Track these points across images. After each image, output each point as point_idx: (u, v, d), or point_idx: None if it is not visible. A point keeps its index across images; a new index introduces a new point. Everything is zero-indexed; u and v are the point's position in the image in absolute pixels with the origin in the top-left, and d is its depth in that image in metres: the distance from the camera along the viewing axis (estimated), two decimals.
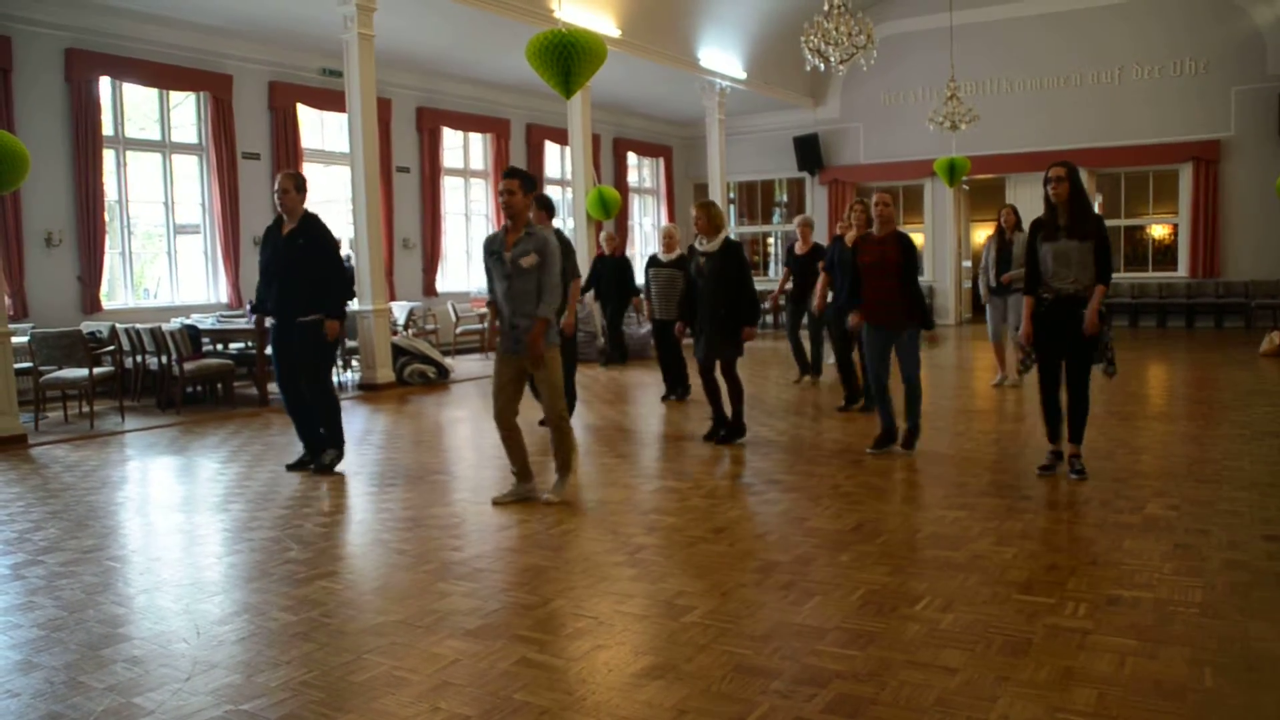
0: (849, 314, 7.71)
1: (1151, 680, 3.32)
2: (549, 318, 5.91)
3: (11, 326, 9.37)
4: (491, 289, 6.19)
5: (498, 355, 6.10)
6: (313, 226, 7.04)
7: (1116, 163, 18.57)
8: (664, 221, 21.99)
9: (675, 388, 10.33)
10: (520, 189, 5.88)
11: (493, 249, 6.06)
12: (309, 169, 14.53)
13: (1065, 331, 6.12)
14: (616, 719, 3.17)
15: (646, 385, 11.74)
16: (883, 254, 7.15)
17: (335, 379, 12.07)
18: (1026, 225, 7.96)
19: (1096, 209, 6.36)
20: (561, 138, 17.41)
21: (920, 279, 7.51)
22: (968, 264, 20.99)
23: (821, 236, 19.51)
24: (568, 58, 8.24)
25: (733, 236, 11.27)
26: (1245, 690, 3.25)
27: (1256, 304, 17.39)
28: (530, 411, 9.24)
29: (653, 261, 10.43)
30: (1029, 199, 18.86)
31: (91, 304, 11.83)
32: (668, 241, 10.42)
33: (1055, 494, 5.97)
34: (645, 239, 22.17)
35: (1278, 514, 5.38)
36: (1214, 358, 13.19)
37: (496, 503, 6.11)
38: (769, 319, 19.36)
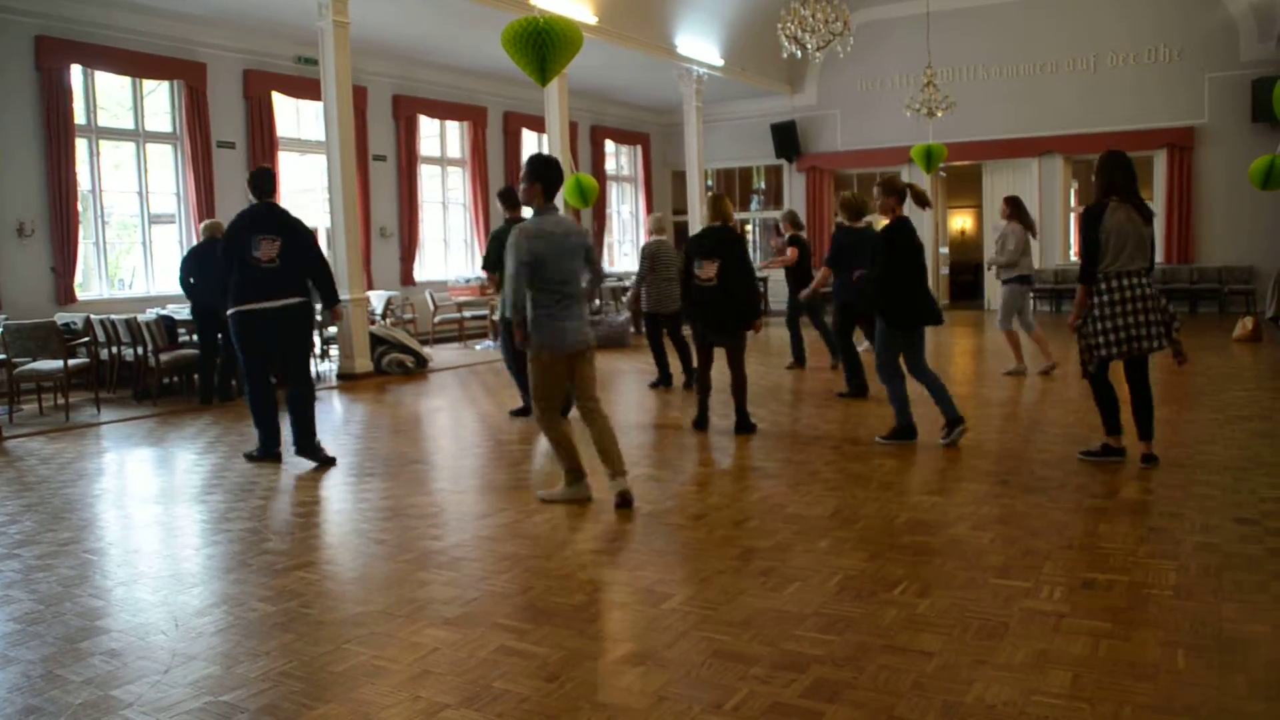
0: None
1: (1125, 662, 3.36)
2: (508, 320, 5.64)
3: None
4: None
5: None
6: None
7: (1092, 149, 18.59)
8: (641, 209, 21.97)
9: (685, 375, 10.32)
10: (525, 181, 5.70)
11: None
12: (284, 158, 14.45)
13: None
14: (596, 706, 3.18)
15: (626, 373, 11.74)
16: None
17: (313, 369, 12.08)
18: (992, 216, 7.97)
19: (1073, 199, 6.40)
20: (539, 125, 17.37)
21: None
22: (944, 250, 21.08)
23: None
24: (543, 45, 8.19)
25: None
26: (1217, 671, 3.29)
27: (1229, 289, 17.54)
28: (511, 402, 9.26)
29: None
30: (1005, 186, 19.06)
31: (65, 295, 11.72)
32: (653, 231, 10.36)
33: (1031, 479, 6.02)
34: (623, 226, 22.15)
35: (1249, 497, 5.44)
36: (1188, 343, 13.20)
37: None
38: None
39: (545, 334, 5.59)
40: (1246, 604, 3.87)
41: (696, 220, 18.26)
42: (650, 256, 10.08)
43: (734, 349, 7.76)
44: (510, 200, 8.80)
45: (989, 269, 10.56)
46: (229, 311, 7.10)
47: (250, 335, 7.08)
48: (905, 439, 7.14)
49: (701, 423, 7.98)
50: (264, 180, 7.27)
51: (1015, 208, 10.52)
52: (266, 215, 7.19)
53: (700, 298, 7.64)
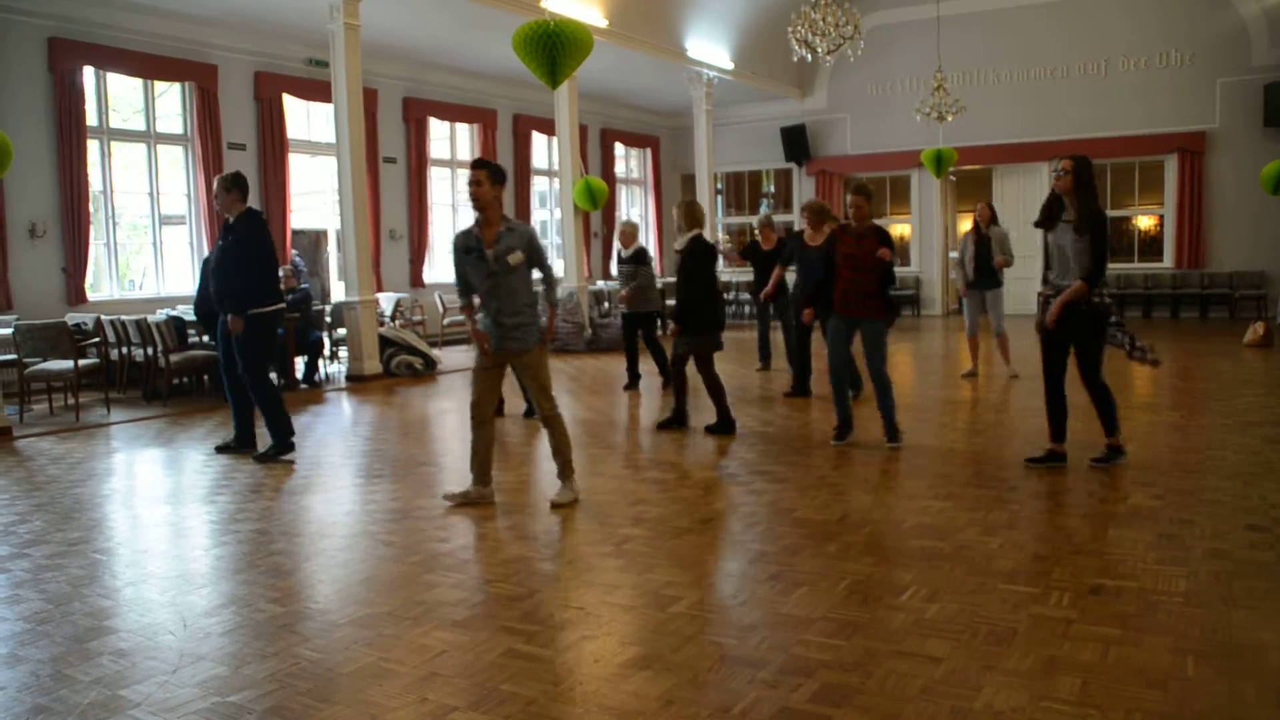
0: (804, 308, 8.16)
1: (1135, 669, 3.34)
2: (556, 303, 5.89)
3: None
4: (466, 290, 5.96)
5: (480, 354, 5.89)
6: (242, 224, 7.36)
7: (1102, 154, 18.57)
8: (651, 212, 21.99)
9: (636, 379, 10.73)
10: (488, 179, 5.66)
11: (469, 246, 5.75)
12: (295, 159, 14.49)
13: (1066, 327, 6.07)
14: (603, 709, 3.18)
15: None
16: (861, 248, 7.11)
17: (323, 370, 12.11)
18: (1003, 220, 8.03)
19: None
20: (548, 128, 17.37)
21: (908, 269, 7.52)
22: (954, 254, 21.01)
23: None
24: (554, 48, 8.22)
25: (712, 232, 11.83)
26: (1227, 678, 3.27)
27: (1240, 294, 17.48)
28: (513, 403, 9.26)
29: (617, 258, 10.84)
30: (1015, 190, 19.07)
31: (76, 295, 11.76)
32: (623, 237, 10.77)
33: (1040, 484, 6.00)
34: None
35: (1260, 503, 5.41)
36: (1199, 348, 13.26)
37: (446, 497, 5.97)
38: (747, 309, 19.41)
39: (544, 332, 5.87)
40: (1257, 611, 3.85)
41: (707, 225, 18.23)
42: (649, 261, 10.55)
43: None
44: None
45: (966, 278, 10.70)
46: (264, 309, 7.29)
47: (274, 332, 7.57)
48: (847, 435, 7.40)
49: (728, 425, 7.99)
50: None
51: (994, 212, 10.74)
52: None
53: (718, 306, 7.96)
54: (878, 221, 9.34)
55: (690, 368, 8.04)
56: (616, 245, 11.07)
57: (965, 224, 22.38)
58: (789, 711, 3.12)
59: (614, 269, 10.80)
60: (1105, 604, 3.95)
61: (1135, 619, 3.78)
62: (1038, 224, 6.24)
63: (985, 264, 10.43)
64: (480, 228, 5.75)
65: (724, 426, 7.90)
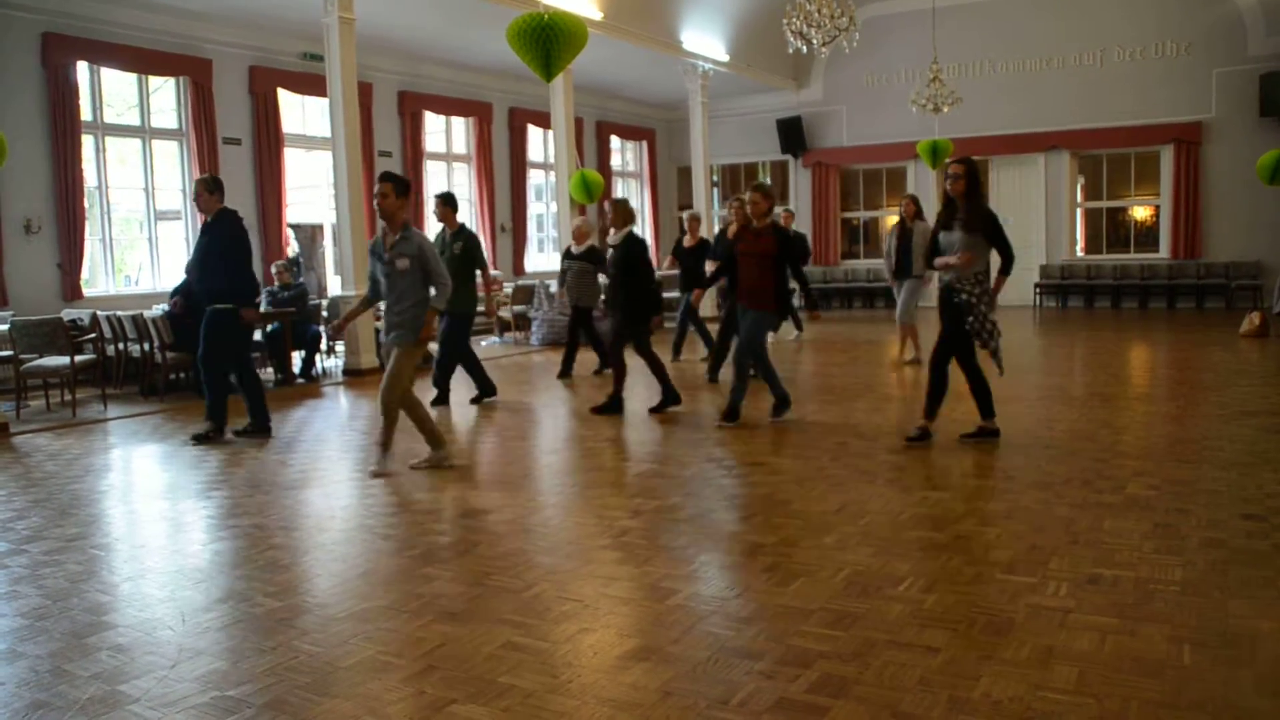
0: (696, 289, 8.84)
1: (1131, 658, 3.36)
2: (438, 308, 6.57)
3: None
4: (372, 287, 6.83)
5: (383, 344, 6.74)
6: (221, 223, 7.86)
7: (1098, 145, 18.64)
8: (647, 205, 21.99)
9: (570, 369, 11.17)
10: (393, 192, 6.37)
11: (375, 249, 6.61)
12: (290, 154, 14.46)
13: (946, 316, 6.75)
14: (602, 701, 3.18)
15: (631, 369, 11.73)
16: (758, 244, 7.69)
17: (319, 364, 12.10)
18: (1001, 210, 8.25)
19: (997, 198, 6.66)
20: (544, 121, 17.34)
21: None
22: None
23: (804, 222, 19.67)
24: (548, 40, 8.21)
25: (709, 225, 12.12)
26: (1223, 667, 3.28)
27: (1236, 285, 17.48)
28: (459, 391, 9.48)
29: (566, 254, 11.32)
30: (1011, 181, 19.08)
31: (72, 291, 11.74)
32: (577, 234, 11.20)
33: (1037, 475, 6.01)
34: None
35: (1256, 493, 5.43)
36: (1195, 338, 13.27)
37: (414, 467, 6.70)
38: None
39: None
40: (1253, 600, 3.86)
41: (703, 217, 18.24)
42: (602, 259, 10.91)
43: None
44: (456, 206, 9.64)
45: (891, 270, 11.38)
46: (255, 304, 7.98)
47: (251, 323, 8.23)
48: (787, 409, 7.99)
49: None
50: None
51: (919, 207, 11.23)
52: None
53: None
54: (875, 213, 9.48)
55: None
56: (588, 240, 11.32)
57: None
58: (787, 702, 3.13)
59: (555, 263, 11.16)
60: (1102, 593, 3.96)
61: (1132, 608, 3.79)
62: (939, 225, 6.83)
63: (907, 257, 10.87)
64: (385, 234, 6.53)
65: (670, 399, 8.58)
